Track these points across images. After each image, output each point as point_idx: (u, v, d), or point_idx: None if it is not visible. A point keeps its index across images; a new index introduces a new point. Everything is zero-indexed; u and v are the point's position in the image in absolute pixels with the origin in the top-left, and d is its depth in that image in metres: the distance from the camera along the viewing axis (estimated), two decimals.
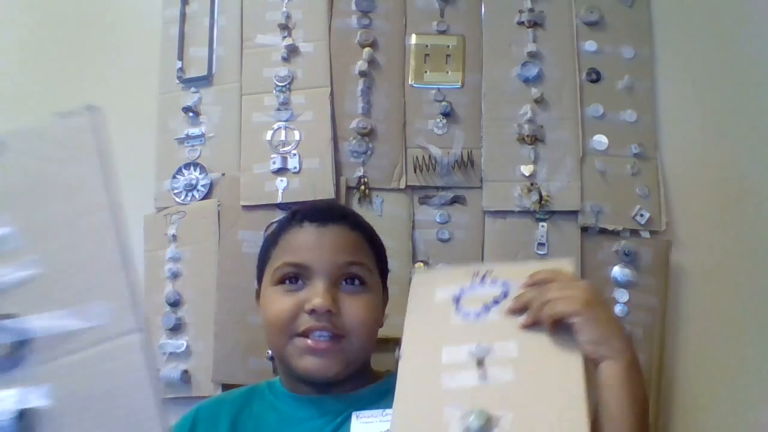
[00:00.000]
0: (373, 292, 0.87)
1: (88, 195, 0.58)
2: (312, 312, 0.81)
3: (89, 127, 0.60)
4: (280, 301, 0.84)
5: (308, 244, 0.85)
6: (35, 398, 0.51)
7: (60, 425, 0.51)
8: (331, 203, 1.07)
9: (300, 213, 0.89)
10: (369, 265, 0.87)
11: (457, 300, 0.78)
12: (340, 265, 0.84)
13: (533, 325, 0.71)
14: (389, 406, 0.75)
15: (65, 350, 0.53)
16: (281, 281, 0.85)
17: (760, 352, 1.18)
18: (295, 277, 0.85)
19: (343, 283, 0.85)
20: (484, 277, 0.79)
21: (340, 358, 0.82)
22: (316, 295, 0.81)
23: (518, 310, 0.73)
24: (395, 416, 0.70)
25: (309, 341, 0.81)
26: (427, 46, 1.24)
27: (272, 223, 1.15)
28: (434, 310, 0.78)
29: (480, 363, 0.71)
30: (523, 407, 0.67)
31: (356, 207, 1.16)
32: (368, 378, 0.89)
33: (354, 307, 0.83)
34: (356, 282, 0.85)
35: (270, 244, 0.91)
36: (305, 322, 0.81)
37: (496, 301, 0.76)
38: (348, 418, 0.79)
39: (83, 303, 0.54)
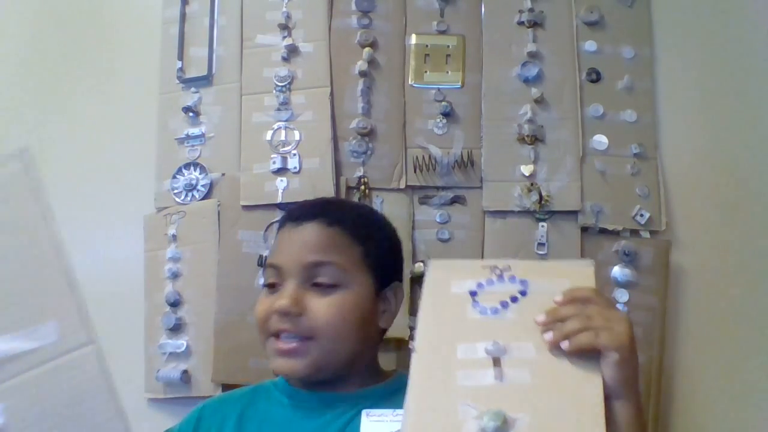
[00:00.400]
0: (350, 292, 0.83)
1: (29, 229, 0.64)
2: (275, 312, 0.81)
3: (23, 170, 0.66)
4: (260, 303, 0.85)
5: (282, 244, 0.86)
6: None
7: None
8: (324, 199, 1.02)
9: (288, 212, 0.91)
10: (344, 263, 0.84)
11: (473, 294, 0.75)
12: (307, 264, 0.83)
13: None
14: (397, 405, 0.74)
15: (18, 369, 0.57)
16: (267, 282, 0.86)
17: (759, 352, 1.18)
18: (273, 281, 0.84)
19: (313, 283, 0.83)
20: (502, 273, 0.77)
21: (308, 359, 0.81)
22: (281, 295, 0.82)
23: (549, 324, 0.70)
24: (408, 411, 0.69)
25: (279, 343, 0.81)
26: (427, 46, 1.24)
27: (272, 222, 1.16)
28: (450, 304, 0.76)
29: (496, 362, 0.70)
30: (540, 411, 0.66)
31: None
32: (376, 377, 0.88)
33: (321, 309, 0.81)
34: (325, 284, 0.82)
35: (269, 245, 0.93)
36: (274, 323, 0.82)
37: (514, 299, 0.75)
38: (354, 417, 0.78)
39: (33, 324, 0.59)
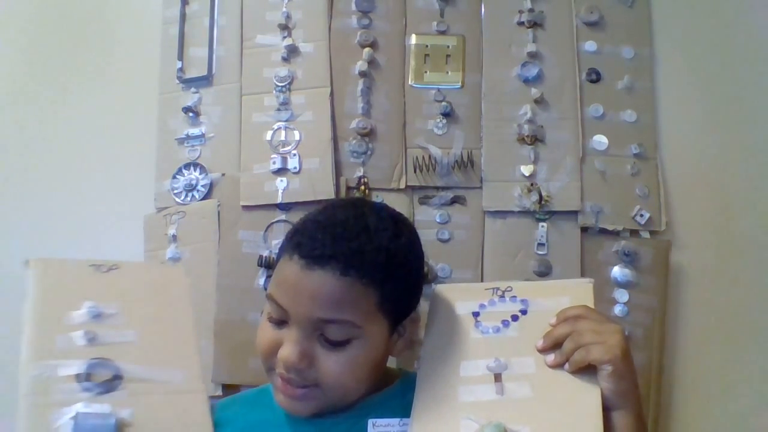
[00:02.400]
0: (362, 346, 0.75)
1: (176, 305, 0.84)
2: (279, 359, 0.75)
3: (180, 274, 0.89)
4: (263, 330, 0.78)
5: (289, 285, 0.75)
6: (122, 415, 0.71)
7: None
8: (336, 228, 0.77)
9: (297, 237, 0.77)
10: (358, 320, 0.74)
11: (476, 315, 0.79)
12: (315, 321, 0.73)
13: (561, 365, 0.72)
14: (402, 411, 0.76)
15: (145, 390, 0.74)
16: (269, 315, 0.78)
17: (759, 352, 1.18)
18: (276, 316, 0.77)
19: (323, 338, 0.74)
20: (503, 293, 0.80)
21: (312, 403, 0.77)
22: (287, 343, 0.74)
23: (549, 348, 0.73)
24: (412, 427, 0.72)
25: (282, 384, 0.76)
26: (427, 46, 1.24)
27: (272, 222, 1.15)
28: (454, 324, 0.79)
29: (497, 378, 0.72)
30: (540, 423, 0.68)
31: None
32: (381, 383, 0.83)
33: (330, 367, 0.74)
34: (334, 342, 0.74)
35: (281, 249, 0.81)
36: (278, 366, 0.76)
37: (514, 317, 0.78)
38: (356, 425, 0.77)
39: (165, 366, 0.77)
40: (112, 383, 0.72)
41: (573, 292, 0.79)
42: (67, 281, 0.81)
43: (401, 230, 0.80)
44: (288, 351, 0.73)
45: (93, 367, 0.73)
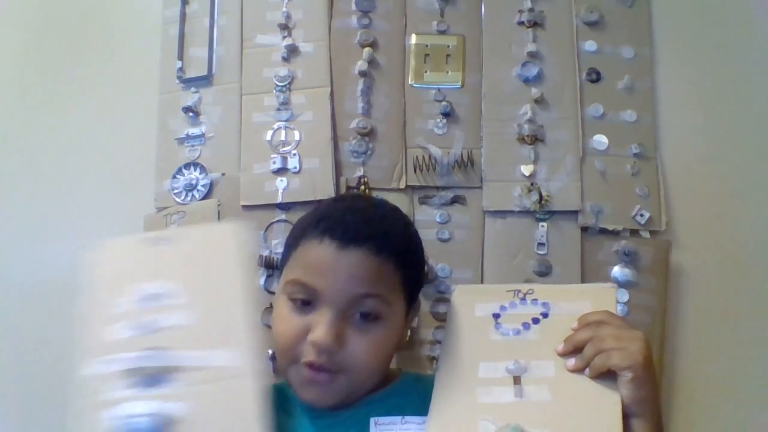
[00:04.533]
0: (388, 325, 0.79)
1: (229, 276, 0.77)
2: (313, 343, 0.76)
3: (236, 233, 0.82)
4: (287, 320, 0.78)
5: (322, 265, 0.77)
6: (172, 410, 0.68)
7: None
8: (364, 213, 0.84)
9: (325, 222, 0.80)
10: (388, 296, 0.79)
11: (496, 317, 0.79)
12: (353, 297, 0.76)
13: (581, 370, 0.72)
14: (404, 409, 0.76)
15: (198, 380, 0.70)
16: (291, 296, 0.79)
17: (760, 352, 1.18)
18: (305, 299, 0.78)
19: (356, 315, 0.77)
20: (525, 296, 0.80)
21: (338, 390, 0.78)
22: (320, 325, 0.75)
23: (569, 352, 0.73)
24: (430, 427, 0.72)
25: (308, 372, 0.77)
26: (427, 46, 1.24)
27: (272, 222, 1.15)
28: (474, 326, 0.79)
29: (517, 380, 0.72)
30: (559, 427, 0.68)
31: None
32: (383, 381, 0.85)
33: (361, 347, 0.77)
34: (370, 317, 0.77)
35: (292, 242, 0.84)
36: (307, 353, 0.76)
37: (535, 320, 0.78)
38: (360, 423, 0.77)
39: (217, 348, 0.72)
40: (162, 375, 0.69)
41: (595, 297, 0.79)
42: (116, 265, 0.78)
43: (408, 220, 0.88)
44: (322, 332, 0.75)
45: (142, 359, 0.70)
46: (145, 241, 0.80)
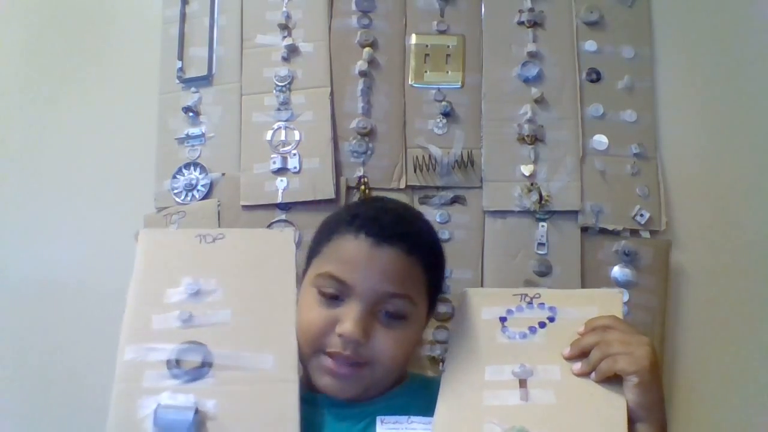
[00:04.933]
0: (413, 326, 0.81)
1: (277, 282, 0.79)
2: (341, 335, 0.77)
3: (287, 241, 0.83)
4: (314, 311, 0.80)
5: (356, 261, 0.79)
6: (206, 406, 0.69)
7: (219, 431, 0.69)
8: (398, 213, 0.88)
9: (360, 219, 0.81)
10: (415, 297, 0.80)
11: (503, 320, 0.79)
12: (383, 294, 0.78)
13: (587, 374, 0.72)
14: (411, 409, 0.76)
15: (233, 379, 0.71)
16: (321, 289, 0.80)
17: (760, 352, 1.18)
18: (334, 293, 0.79)
19: (383, 313, 0.79)
20: (531, 300, 0.81)
21: (359, 383, 0.79)
22: (349, 319, 0.77)
23: (575, 356, 0.73)
24: (436, 427, 0.73)
25: (332, 362, 0.78)
26: (427, 46, 1.24)
27: (273, 222, 1.15)
28: (480, 329, 0.79)
29: (522, 383, 0.73)
30: (563, 429, 0.69)
31: None
32: (392, 381, 0.86)
33: (386, 343, 0.78)
34: (396, 316, 0.79)
35: (324, 236, 0.85)
36: (333, 344, 0.78)
37: (542, 324, 0.78)
38: (369, 424, 0.78)
39: (259, 351, 0.73)
40: (201, 370, 0.71)
41: (602, 302, 0.79)
42: (169, 255, 0.80)
43: (431, 225, 0.91)
44: (351, 325, 0.76)
45: (184, 352, 0.71)
46: (199, 236, 0.82)
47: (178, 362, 0.71)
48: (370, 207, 0.89)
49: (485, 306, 0.81)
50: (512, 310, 0.80)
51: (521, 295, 0.81)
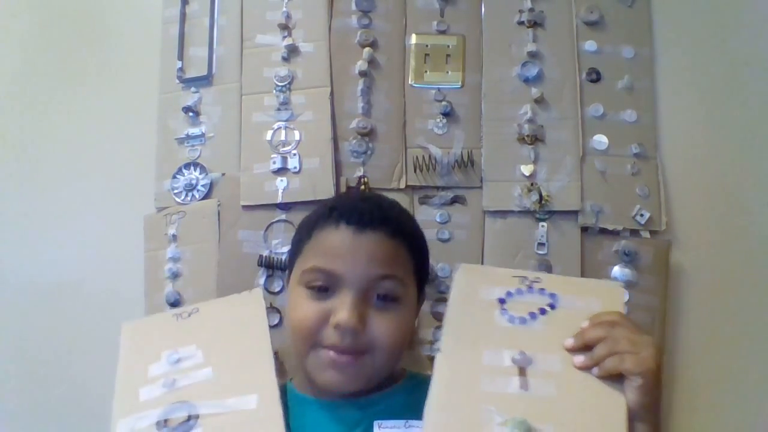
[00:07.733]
0: (406, 308, 0.82)
1: (250, 335, 0.81)
2: (337, 326, 0.77)
3: (259, 296, 0.86)
4: (306, 307, 0.80)
5: (341, 250, 0.80)
6: None
7: None
8: (375, 200, 0.91)
9: (338, 210, 0.83)
10: (404, 278, 0.82)
11: (502, 302, 0.77)
12: (373, 278, 0.79)
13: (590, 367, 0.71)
14: (409, 411, 0.76)
15: (222, 424, 0.73)
16: (309, 285, 0.81)
17: (760, 352, 1.18)
18: (324, 285, 0.80)
19: (375, 297, 0.80)
20: (532, 284, 0.78)
21: (362, 373, 0.79)
22: (343, 308, 0.77)
23: (578, 348, 0.71)
24: (429, 409, 0.70)
25: (332, 354, 0.78)
26: (427, 46, 1.24)
27: (273, 222, 1.15)
28: (477, 308, 0.76)
29: (522, 371, 0.71)
30: (564, 425, 0.67)
31: None
32: (389, 379, 0.86)
33: (382, 326, 0.79)
34: (388, 298, 0.80)
35: (304, 235, 0.86)
36: (330, 336, 0.78)
37: (542, 311, 0.76)
38: (366, 429, 0.78)
39: (240, 395, 0.75)
40: (188, 423, 0.73)
41: (604, 295, 0.78)
42: (150, 337, 0.83)
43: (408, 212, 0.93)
44: (346, 314, 0.77)
45: (170, 411, 0.74)
46: (176, 315, 0.85)
47: (166, 422, 0.73)
48: (346, 198, 0.91)
49: (483, 285, 0.78)
50: (511, 292, 0.77)
51: (521, 277, 0.79)
